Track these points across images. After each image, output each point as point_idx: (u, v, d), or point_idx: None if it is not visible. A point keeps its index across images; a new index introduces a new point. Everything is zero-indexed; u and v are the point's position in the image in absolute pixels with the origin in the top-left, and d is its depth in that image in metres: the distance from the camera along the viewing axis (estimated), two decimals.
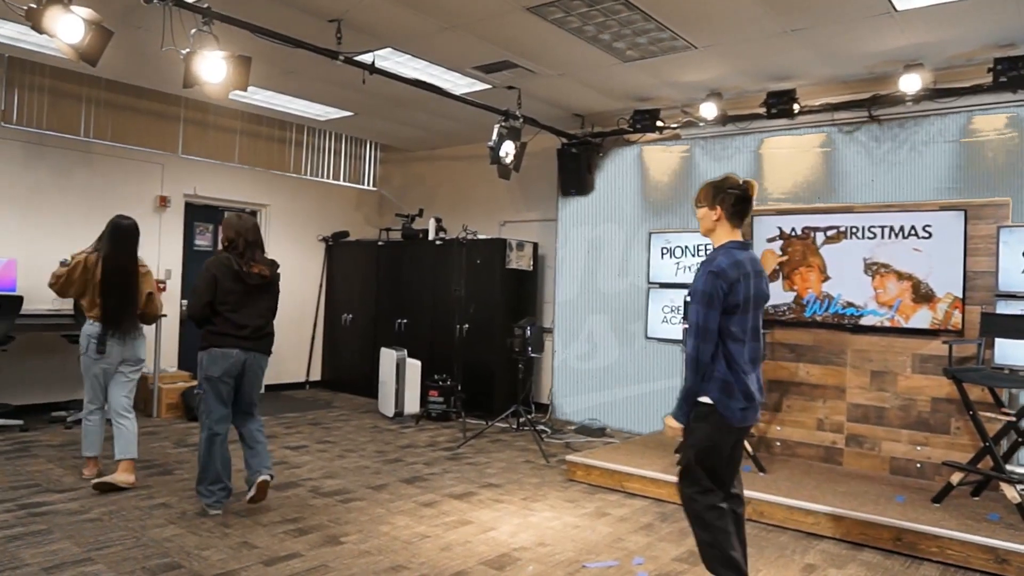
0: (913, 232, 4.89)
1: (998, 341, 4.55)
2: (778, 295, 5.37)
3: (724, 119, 6.15)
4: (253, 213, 8.30)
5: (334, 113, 7.52)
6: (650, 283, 6.60)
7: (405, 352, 7.22)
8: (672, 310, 6.47)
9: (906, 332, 4.90)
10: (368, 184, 9.14)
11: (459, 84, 6.15)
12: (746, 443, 4.89)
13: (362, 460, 5.42)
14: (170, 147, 7.25)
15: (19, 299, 5.72)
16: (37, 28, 3.66)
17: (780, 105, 5.78)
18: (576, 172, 7.11)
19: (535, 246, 7.78)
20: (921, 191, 5.40)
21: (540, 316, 7.78)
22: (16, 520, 3.76)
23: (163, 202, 7.39)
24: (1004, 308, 4.60)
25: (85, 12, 3.76)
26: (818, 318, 5.23)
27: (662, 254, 6.53)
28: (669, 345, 6.52)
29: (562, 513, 4.32)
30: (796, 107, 5.76)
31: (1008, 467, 4.12)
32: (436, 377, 7.24)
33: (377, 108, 7.17)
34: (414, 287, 8.08)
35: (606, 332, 7.00)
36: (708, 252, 2.94)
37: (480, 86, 6.17)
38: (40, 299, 6.11)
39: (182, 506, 4.12)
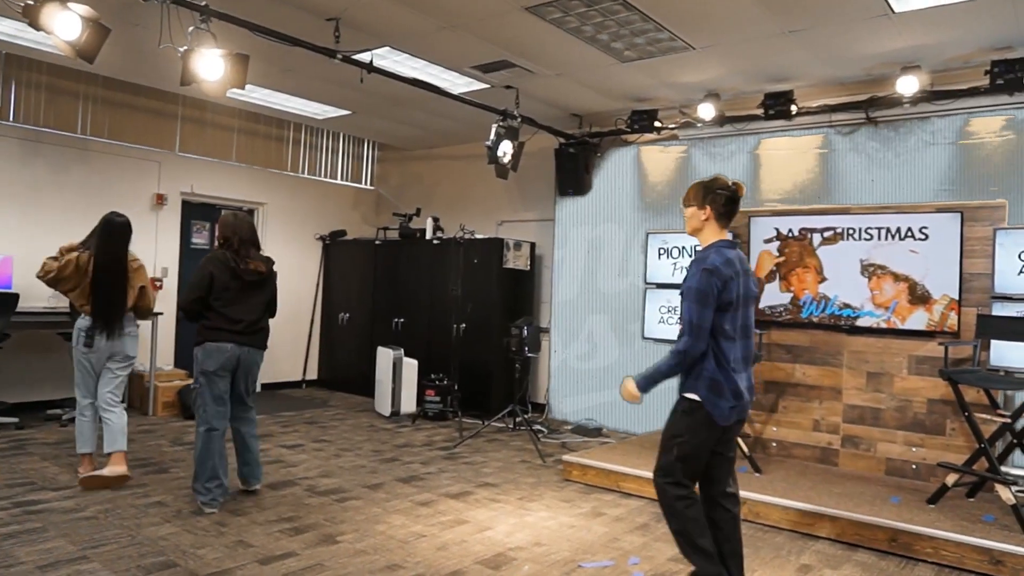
0: (910, 234, 4.90)
1: (994, 343, 4.56)
2: (775, 296, 5.38)
3: (722, 120, 6.16)
4: (250, 212, 8.29)
5: (332, 112, 7.51)
6: (647, 283, 6.61)
7: (402, 351, 7.22)
8: (669, 311, 6.48)
9: (902, 334, 4.91)
10: (366, 183, 9.14)
11: (457, 83, 6.15)
12: (742, 444, 4.91)
13: (358, 459, 5.42)
14: (167, 145, 7.24)
15: (15, 296, 5.70)
16: (34, 25, 3.65)
17: (778, 106, 5.79)
18: (574, 172, 7.11)
19: (532, 246, 7.79)
20: (918, 193, 5.41)
21: (537, 316, 7.78)
22: (11, 518, 3.75)
23: (160, 200, 7.37)
24: (1000, 310, 4.61)
25: (82, 9, 3.75)
26: (815, 319, 5.23)
27: (659, 254, 6.54)
28: (665, 345, 6.51)
29: (558, 513, 4.32)
30: (794, 108, 5.77)
31: (1003, 468, 4.14)
32: (433, 376, 7.23)
33: (375, 107, 7.17)
34: (411, 286, 8.08)
35: (606, 332, 7.01)
36: (698, 252, 2.97)
37: (478, 85, 6.17)
38: (36, 296, 6.09)
39: (178, 504, 4.12)
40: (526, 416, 6.63)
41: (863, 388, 5.04)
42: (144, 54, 5.73)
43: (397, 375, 7.12)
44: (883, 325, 4.97)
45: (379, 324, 8.29)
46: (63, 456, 5.01)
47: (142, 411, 6.63)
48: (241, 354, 4.12)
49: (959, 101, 5.21)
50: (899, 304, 4.92)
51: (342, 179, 8.83)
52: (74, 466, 4.67)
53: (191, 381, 6.56)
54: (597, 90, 6.29)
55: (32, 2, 3.62)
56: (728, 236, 2.94)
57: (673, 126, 6.61)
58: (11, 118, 6.16)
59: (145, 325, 6.39)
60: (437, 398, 7.09)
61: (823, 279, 5.22)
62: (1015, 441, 4.26)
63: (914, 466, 4.82)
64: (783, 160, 6.10)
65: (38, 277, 4.42)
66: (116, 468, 4.39)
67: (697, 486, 3.01)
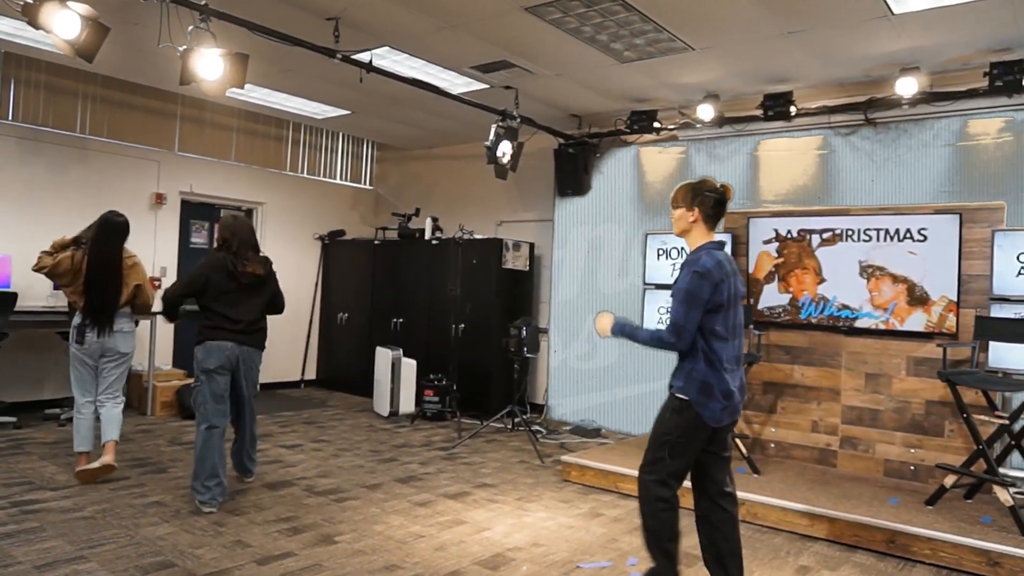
0: (908, 235, 4.91)
1: (992, 344, 4.56)
2: (774, 297, 5.38)
3: (721, 121, 6.16)
4: (249, 211, 8.29)
5: (331, 111, 7.51)
6: (646, 284, 6.61)
7: (401, 351, 7.21)
8: (668, 311, 6.46)
9: (901, 335, 4.91)
10: (365, 183, 9.13)
11: (456, 83, 6.15)
12: (741, 445, 4.92)
13: (357, 459, 5.42)
14: (166, 144, 7.23)
15: (13, 295, 5.70)
16: (33, 23, 3.64)
17: (777, 107, 5.79)
18: (573, 172, 7.11)
19: (531, 246, 7.78)
20: (917, 194, 5.41)
21: (536, 316, 7.78)
22: (8, 518, 3.75)
23: (159, 199, 7.37)
24: (998, 311, 4.62)
25: (82, 8, 3.75)
26: (813, 320, 5.24)
27: (658, 255, 6.53)
28: None
29: (556, 513, 4.32)
30: (793, 109, 5.77)
31: (1001, 470, 4.14)
32: (432, 377, 7.23)
33: (374, 107, 7.17)
34: (410, 286, 8.08)
35: None
36: (687, 253, 2.98)
37: (477, 86, 6.16)
38: (35, 296, 6.09)
39: (176, 504, 4.12)
40: (525, 416, 6.63)
41: (861, 389, 5.05)
42: (143, 53, 5.73)
43: (396, 375, 7.12)
44: (882, 326, 4.97)
45: (378, 324, 8.29)
46: (61, 456, 5.01)
47: (140, 411, 6.63)
48: (241, 353, 4.18)
49: (958, 103, 5.21)
50: (898, 305, 4.92)
51: (341, 179, 8.82)
52: (72, 465, 4.66)
53: (190, 380, 6.56)
54: (596, 90, 6.29)
55: (31, 1, 3.62)
56: (716, 238, 2.96)
57: (672, 127, 6.61)
58: (10, 117, 6.16)
59: (143, 325, 6.39)
60: (436, 398, 7.09)
61: (822, 280, 5.22)
62: (1013, 443, 4.27)
63: (912, 467, 4.83)
64: (782, 161, 6.10)
65: (33, 268, 4.50)
66: (105, 458, 4.44)
67: (693, 490, 3.02)
